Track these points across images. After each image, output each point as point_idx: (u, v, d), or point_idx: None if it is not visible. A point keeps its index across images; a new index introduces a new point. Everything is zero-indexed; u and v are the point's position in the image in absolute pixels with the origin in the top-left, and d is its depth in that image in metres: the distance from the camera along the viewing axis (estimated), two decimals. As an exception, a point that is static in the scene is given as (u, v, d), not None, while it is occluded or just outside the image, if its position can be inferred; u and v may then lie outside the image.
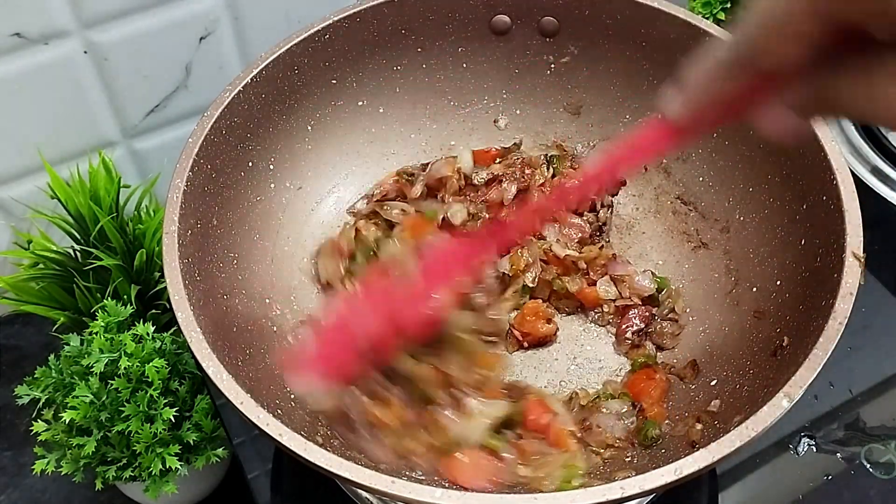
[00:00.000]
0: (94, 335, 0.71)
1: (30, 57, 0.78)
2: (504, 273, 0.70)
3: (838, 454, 0.69)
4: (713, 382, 0.64)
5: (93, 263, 0.78)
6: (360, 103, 0.77)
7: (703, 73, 0.35)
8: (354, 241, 0.72)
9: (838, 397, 0.72)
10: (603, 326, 0.71)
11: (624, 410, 0.63)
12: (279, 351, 0.62)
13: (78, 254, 0.81)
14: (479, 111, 0.81)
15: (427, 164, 0.78)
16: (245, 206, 0.69)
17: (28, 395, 0.73)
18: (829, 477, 0.67)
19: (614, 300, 0.70)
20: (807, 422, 0.71)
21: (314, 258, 0.73)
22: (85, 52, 0.81)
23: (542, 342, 0.69)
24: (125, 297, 0.79)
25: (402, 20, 0.74)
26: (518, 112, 0.81)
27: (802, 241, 0.62)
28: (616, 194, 0.78)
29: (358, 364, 0.53)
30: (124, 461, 0.70)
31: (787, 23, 0.29)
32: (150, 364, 0.69)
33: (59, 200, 0.80)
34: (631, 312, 0.69)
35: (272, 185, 0.72)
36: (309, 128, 0.75)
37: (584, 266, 0.70)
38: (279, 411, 0.54)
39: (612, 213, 0.76)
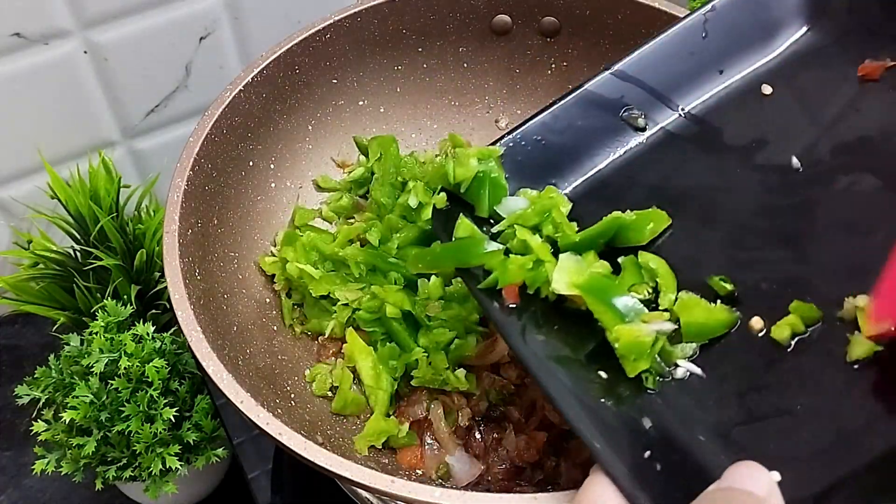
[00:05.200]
0: (94, 335, 0.71)
1: (30, 57, 0.78)
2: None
3: None
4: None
5: (93, 263, 0.78)
6: (361, 103, 0.77)
7: None
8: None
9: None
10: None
11: None
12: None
13: (78, 254, 0.81)
14: (479, 111, 0.81)
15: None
16: (246, 205, 0.69)
17: (28, 395, 0.73)
18: None
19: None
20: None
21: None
22: (85, 52, 0.81)
23: None
24: (125, 297, 0.79)
25: (402, 20, 0.74)
26: (519, 112, 0.81)
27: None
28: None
29: None
30: (124, 461, 0.70)
31: None
32: (150, 364, 0.69)
33: (59, 200, 0.80)
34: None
35: (273, 185, 0.72)
36: (310, 127, 0.75)
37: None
38: (279, 410, 0.53)
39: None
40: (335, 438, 0.60)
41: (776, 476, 0.37)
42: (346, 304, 0.66)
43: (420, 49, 0.77)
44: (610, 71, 0.55)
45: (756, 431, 0.43)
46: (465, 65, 0.79)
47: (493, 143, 0.56)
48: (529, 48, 0.78)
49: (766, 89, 0.54)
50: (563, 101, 0.55)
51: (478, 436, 0.63)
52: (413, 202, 0.68)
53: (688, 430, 0.43)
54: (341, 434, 0.61)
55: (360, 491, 0.64)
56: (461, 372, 0.63)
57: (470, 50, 0.78)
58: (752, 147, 0.53)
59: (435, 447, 0.62)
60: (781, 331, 0.45)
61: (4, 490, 0.87)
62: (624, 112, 0.55)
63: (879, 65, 0.52)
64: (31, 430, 0.72)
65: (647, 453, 0.41)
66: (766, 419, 0.43)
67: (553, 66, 0.79)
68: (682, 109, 0.55)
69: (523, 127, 0.56)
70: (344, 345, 0.66)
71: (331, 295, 0.66)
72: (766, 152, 0.52)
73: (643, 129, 0.56)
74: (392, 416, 0.63)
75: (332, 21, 0.71)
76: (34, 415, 0.73)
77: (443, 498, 0.44)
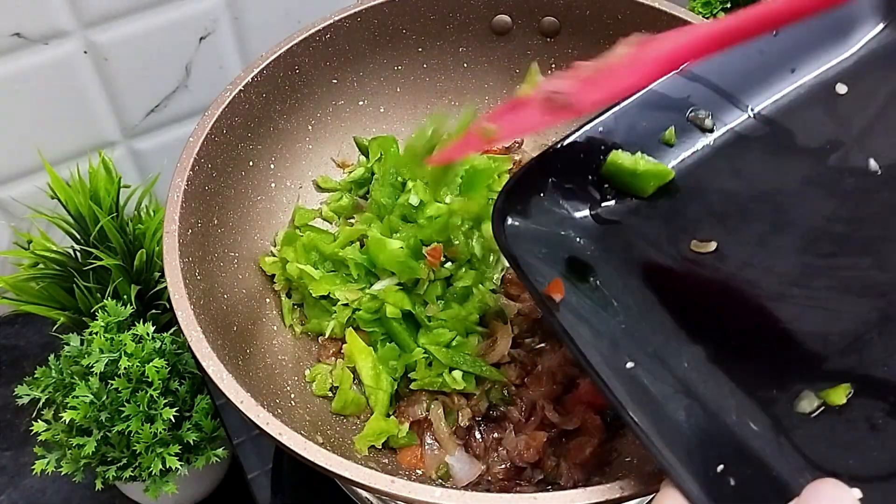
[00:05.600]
0: (94, 335, 0.71)
1: (30, 57, 0.78)
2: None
3: None
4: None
5: (93, 263, 0.78)
6: (361, 103, 0.77)
7: None
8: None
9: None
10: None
11: None
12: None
13: (78, 254, 0.81)
14: (479, 111, 0.81)
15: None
16: (246, 205, 0.69)
17: (28, 395, 0.73)
18: None
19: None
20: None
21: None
22: (85, 52, 0.81)
23: None
24: (125, 297, 0.78)
25: (402, 20, 0.74)
26: (518, 112, 0.81)
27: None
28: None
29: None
30: (124, 461, 0.70)
31: None
32: (150, 364, 0.69)
33: (59, 200, 0.80)
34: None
35: (273, 185, 0.72)
36: (309, 127, 0.75)
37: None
38: (279, 410, 0.54)
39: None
40: (335, 438, 0.60)
41: (857, 493, 0.36)
42: (346, 305, 0.66)
43: (420, 49, 0.77)
44: (675, 70, 0.53)
45: (835, 445, 0.41)
46: (465, 65, 0.79)
47: (550, 148, 0.53)
48: (529, 48, 0.78)
49: (841, 88, 0.52)
50: (627, 102, 0.53)
51: (478, 436, 0.63)
52: (413, 202, 0.68)
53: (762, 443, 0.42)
54: (341, 434, 0.61)
55: (360, 491, 0.64)
56: (457, 373, 0.63)
57: (470, 50, 0.78)
58: (827, 149, 0.51)
59: (435, 447, 0.62)
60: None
61: (4, 490, 0.87)
62: (690, 112, 0.54)
63: None
64: (31, 430, 0.72)
65: (721, 467, 0.40)
66: (845, 434, 0.42)
67: (553, 66, 0.78)
68: (752, 110, 0.53)
69: (585, 128, 0.53)
70: (344, 345, 0.66)
71: (331, 295, 0.66)
72: (841, 154, 0.51)
73: (711, 131, 0.54)
74: (392, 416, 0.63)
75: (332, 21, 0.71)
76: (34, 415, 0.73)
77: (443, 498, 0.44)
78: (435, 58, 0.78)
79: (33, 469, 0.72)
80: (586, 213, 0.53)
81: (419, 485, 0.45)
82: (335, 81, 0.75)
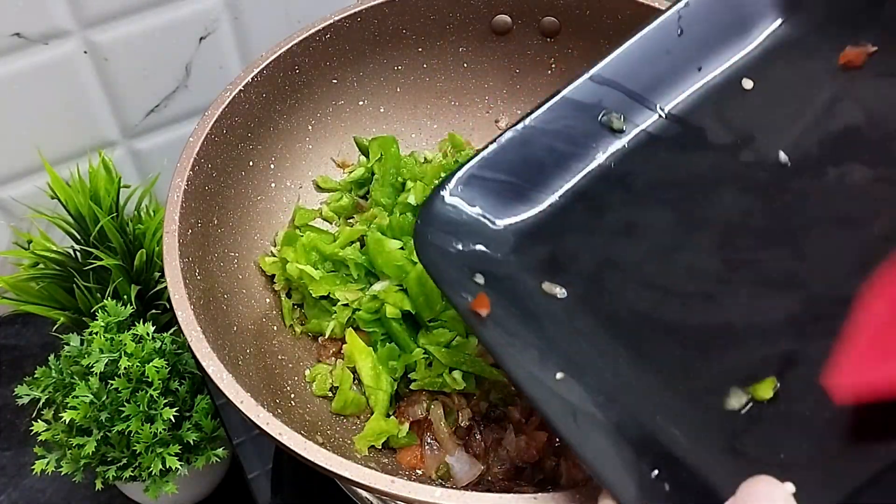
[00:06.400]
0: (94, 335, 0.71)
1: (30, 57, 0.78)
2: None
3: None
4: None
5: (93, 263, 0.78)
6: (361, 103, 0.77)
7: None
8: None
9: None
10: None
11: None
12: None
13: (78, 254, 0.81)
14: (479, 111, 0.81)
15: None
16: (246, 205, 0.69)
17: (28, 395, 0.73)
18: None
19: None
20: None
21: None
22: (85, 52, 0.81)
23: None
24: (125, 297, 0.79)
25: (402, 20, 0.74)
26: (519, 112, 0.81)
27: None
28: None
29: None
30: (124, 461, 0.70)
31: None
32: (150, 364, 0.69)
33: (59, 200, 0.80)
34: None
35: (273, 185, 0.72)
36: (310, 127, 0.75)
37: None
38: (279, 410, 0.54)
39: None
40: (335, 438, 0.60)
41: (790, 488, 0.36)
42: (346, 305, 0.66)
43: (420, 49, 0.77)
44: (586, 75, 0.53)
45: (765, 440, 0.41)
46: (465, 65, 0.79)
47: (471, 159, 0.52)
48: (529, 48, 0.78)
49: (748, 84, 0.53)
50: (539, 110, 0.53)
51: (478, 436, 0.63)
52: (413, 201, 0.68)
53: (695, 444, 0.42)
54: (341, 434, 0.61)
55: (360, 491, 0.64)
56: (457, 373, 0.63)
57: (470, 50, 0.78)
58: (738, 144, 0.52)
59: (435, 447, 0.62)
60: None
61: (4, 490, 0.87)
62: (602, 116, 0.53)
63: (861, 51, 0.50)
64: (31, 430, 0.72)
65: (655, 472, 0.40)
66: (775, 428, 0.42)
67: (553, 66, 0.79)
68: (662, 110, 0.54)
69: (501, 139, 0.52)
70: (344, 345, 0.66)
71: (331, 295, 0.66)
72: (752, 149, 0.51)
73: (622, 132, 0.54)
74: (392, 417, 0.63)
75: (332, 21, 0.71)
76: (34, 415, 0.73)
77: (443, 498, 0.44)
78: (435, 58, 0.78)
79: (33, 469, 0.72)
80: (503, 225, 0.52)
81: (419, 485, 0.45)
82: (335, 81, 0.75)
